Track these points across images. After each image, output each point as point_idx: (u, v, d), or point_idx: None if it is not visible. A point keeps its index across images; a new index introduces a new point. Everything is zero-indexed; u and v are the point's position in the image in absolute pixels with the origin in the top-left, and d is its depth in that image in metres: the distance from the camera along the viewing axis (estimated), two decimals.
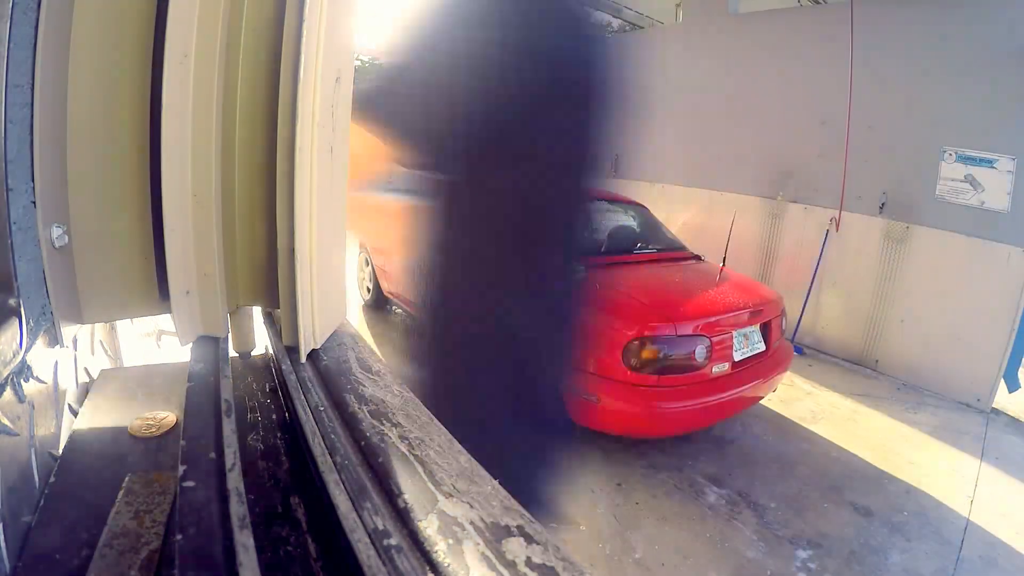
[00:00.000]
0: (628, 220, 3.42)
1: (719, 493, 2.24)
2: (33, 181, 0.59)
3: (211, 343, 0.80)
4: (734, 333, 2.31)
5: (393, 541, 0.43)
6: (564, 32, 0.68)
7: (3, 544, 0.47)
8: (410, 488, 0.51)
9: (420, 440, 0.62)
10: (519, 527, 0.46)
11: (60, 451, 0.68)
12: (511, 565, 0.41)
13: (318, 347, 0.86)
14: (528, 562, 0.42)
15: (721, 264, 2.80)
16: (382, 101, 0.79)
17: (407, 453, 0.58)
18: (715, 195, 4.99)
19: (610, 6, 8.11)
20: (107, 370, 0.97)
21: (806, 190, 4.27)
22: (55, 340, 0.66)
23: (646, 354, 2.08)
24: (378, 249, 3.94)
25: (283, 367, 0.78)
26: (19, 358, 0.54)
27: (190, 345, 0.80)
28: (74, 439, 0.71)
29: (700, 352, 2.16)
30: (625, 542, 1.92)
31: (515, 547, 0.43)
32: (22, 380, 0.55)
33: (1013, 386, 3.33)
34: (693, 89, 5.23)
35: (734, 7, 5.05)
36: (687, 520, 2.06)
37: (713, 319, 2.27)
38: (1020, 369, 3.36)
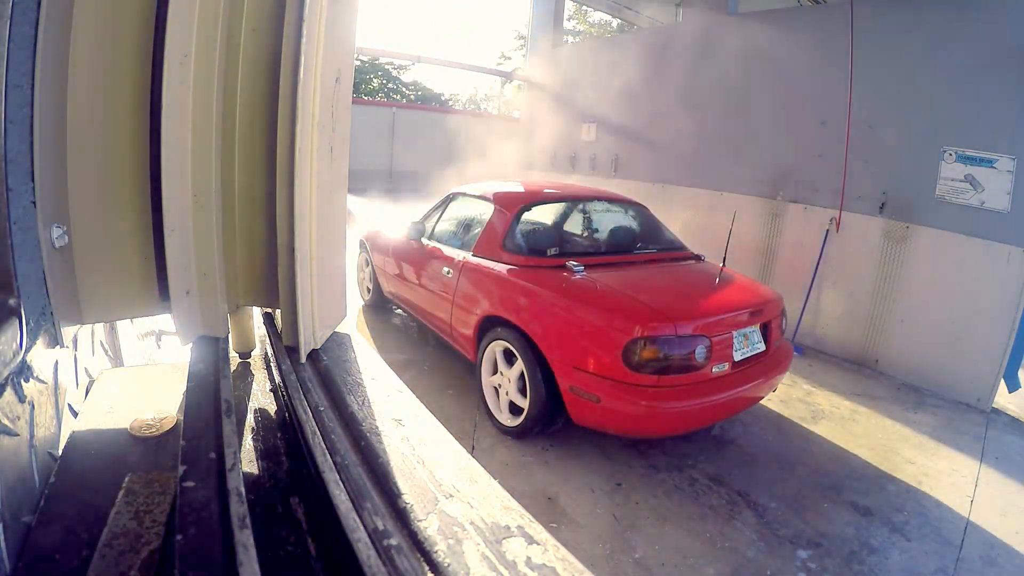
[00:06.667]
0: (628, 220, 3.42)
1: (719, 493, 2.24)
2: (33, 181, 0.59)
3: (211, 343, 0.80)
4: (734, 333, 2.31)
5: (393, 541, 0.43)
6: None
7: (3, 544, 0.47)
8: (410, 488, 0.51)
9: (421, 440, 0.62)
10: (519, 527, 0.46)
11: (60, 451, 0.68)
12: (511, 565, 0.42)
13: (318, 347, 0.86)
14: (528, 562, 0.42)
15: (721, 264, 2.80)
16: None
17: (407, 453, 0.58)
18: (715, 195, 4.99)
19: (610, 6, 8.12)
20: (107, 370, 0.97)
21: (806, 190, 4.27)
22: (55, 340, 0.66)
23: (646, 354, 2.08)
24: (378, 249, 3.94)
25: (283, 367, 0.78)
26: (19, 358, 0.54)
27: (190, 345, 0.81)
28: (74, 439, 0.71)
29: (700, 352, 2.16)
30: (625, 542, 1.92)
31: (515, 547, 0.43)
32: (22, 380, 0.55)
33: (1013, 386, 3.33)
34: (693, 89, 5.23)
35: (734, 7, 5.05)
36: (687, 520, 2.06)
37: (713, 319, 2.27)
38: (1020, 369, 3.36)
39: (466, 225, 3.26)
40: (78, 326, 0.75)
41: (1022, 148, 3.16)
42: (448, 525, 0.46)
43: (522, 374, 2.38)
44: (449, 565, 0.42)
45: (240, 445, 0.59)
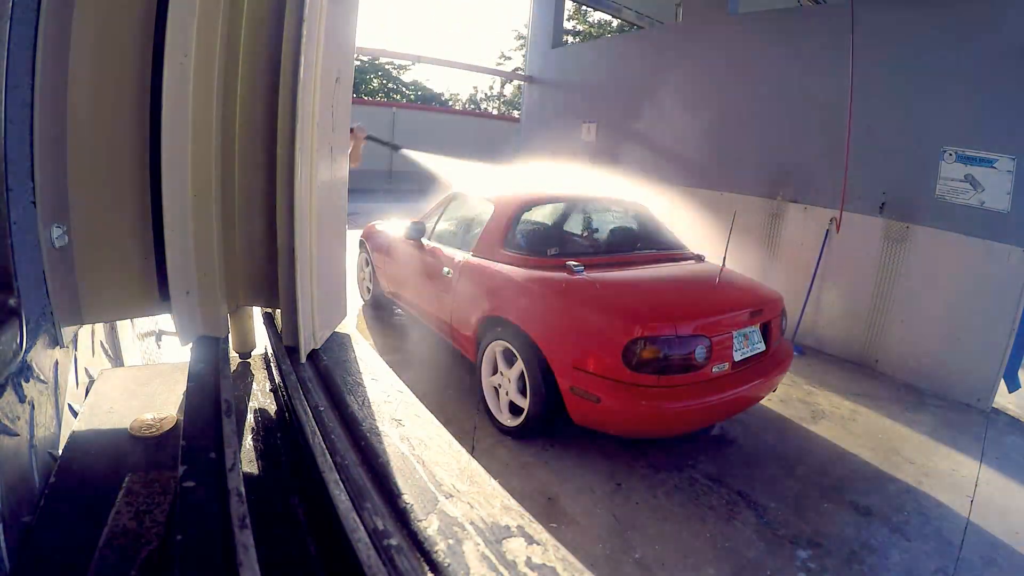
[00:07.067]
0: (628, 220, 3.42)
1: (719, 493, 2.24)
2: (33, 181, 0.59)
3: (211, 343, 0.80)
4: (734, 333, 2.31)
5: (393, 541, 0.43)
6: None
7: (3, 544, 0.47)
8: (410, 488, 0.51)
9: (420, 440, 0.62)
10: (519, 527, 0.46)
11: (60, 451, 0.68)
12: (511, 565, 0.42)
13: (318, 347, 0.86)
14: (528, 562, 0.42)
15: (721, 264, 2.80)
16: None
17: (407, 453, 0.58)
18: (715, 195, 4.99)
19: (610, 6, 8.12)
20: (107, 370, 0.97)
21: (806, 190, 4.27)
22: (55, 340, 0.66)
23: (646, 354, 2.08)
24: (378, 249, 3.94)
25: (283, 367, 0.78)
26: (19, 358, 0.54)
27: (190, 345, 0.80)
28: (74, 439, 0.71)
29: (700, 352, 2.16)
30: (625, 542, 1.92)
31: (515, 547, 0.43)
32: (22, 380, 0.55)
33: (1013, 386, 3.33)
34: (693, 89, 5.23)
35: (734, 7, 5.05)
36: (687, 520, 2.06)
37: (713, 319, 2.27)
38: (1020, 369, 3.36)
39: (466, 225, 3.26)
40: (78, 326, 0.75)
41: (1022, 148, 3.16)
42: (448, 525, 0.46)
43: (522, 374, 2.38)
44: (449, 565, 0.42)
45: (240, 445, 0.59)
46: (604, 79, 6.41)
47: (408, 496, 0.50)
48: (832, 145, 3.98)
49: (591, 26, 18.11)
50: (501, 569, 0.41)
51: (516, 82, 18.17)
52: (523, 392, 2.41)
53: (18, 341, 0.54)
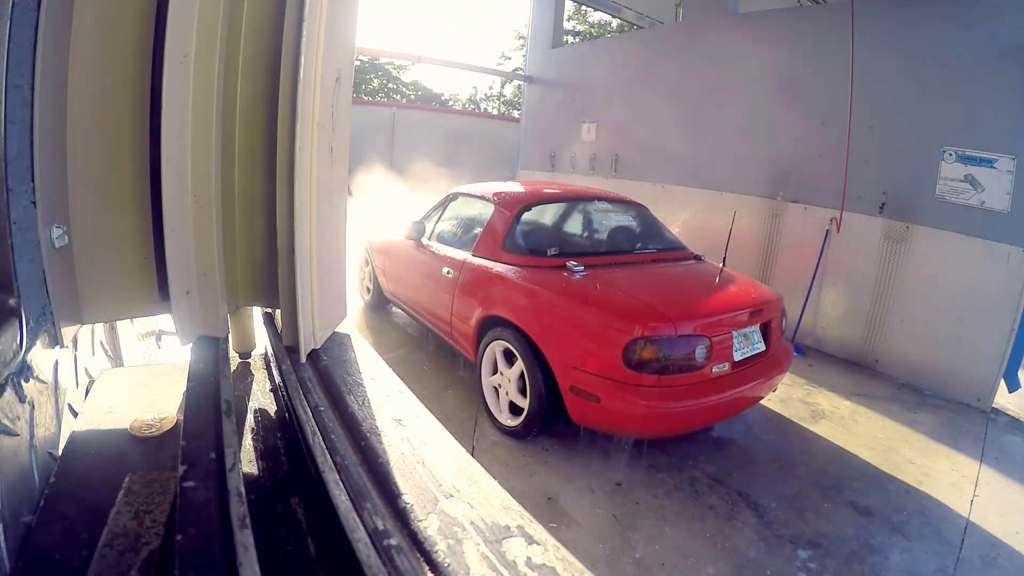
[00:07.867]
0: (628, 220, 3.42)
1: (719, 493, 2.24)
2: (33, 181, 0.59)
3: (211, 343, 0.80)
4: (734, 333, 2.31)
5: (393, 541, 0.43)
6: None
7: (3, 544, 0.47)
8: (410, 488, 0.51)
9: (420, 440, 0.62)
10: (519, 527, 0.46)
11: (60, 451, 0.68)
12: (511, 565, 0.42)
13: (318, 347, 0.86)
14: (528, 562, 0.42)
15: (721, 264, 2.79)
16: None
17: (407, 453, 0.58)
18: (715, 195, 4.99)
19: (610, 6, 8.12)
20: (107, 370, 0.97)
21: (806, 190, 4.27)
22: (55, 340, 0.66)
23: (646, 354, 2.08)
24: (378, 249, 3.94)
25: (283, 367, 0.78)
26: (19, 358, 0.54)
27: (190, 345, 0.80)
28: (74, 439, 0.71)
29: (700, 352, 2.15)
30: (625, 542, 1.92)
31: (515, 547, 0.43)
32: (22, 380, 0.55)
33: (1013, 386, 3.33)
34: (693, 89, 5.23)
35: (734, 7, 5.05)
36: (687, 520, 2.06)
37: (713, 319, 2.27)
38: (1020, 369, 3.36)
39: (466, 225, 3.26)
40: (78, 326, 0.75)
41: (1022, 148, 3.16)
42: (448, 525, 0.46)
43: (522, 374, 2.38)
44: (449, 565, 0.42)
45: (240, 445, 0.59)
46: (604, 79, 6.41)
47: (408, 496, 0.50)
48: (832, 145, 3.98)
49: (591, 26, 18.11)
50: (501, 569, 0.41)
51: (516, 82, 18.16)
52: (523, 392, 2.41)
53: (18, 341, 0.54)
